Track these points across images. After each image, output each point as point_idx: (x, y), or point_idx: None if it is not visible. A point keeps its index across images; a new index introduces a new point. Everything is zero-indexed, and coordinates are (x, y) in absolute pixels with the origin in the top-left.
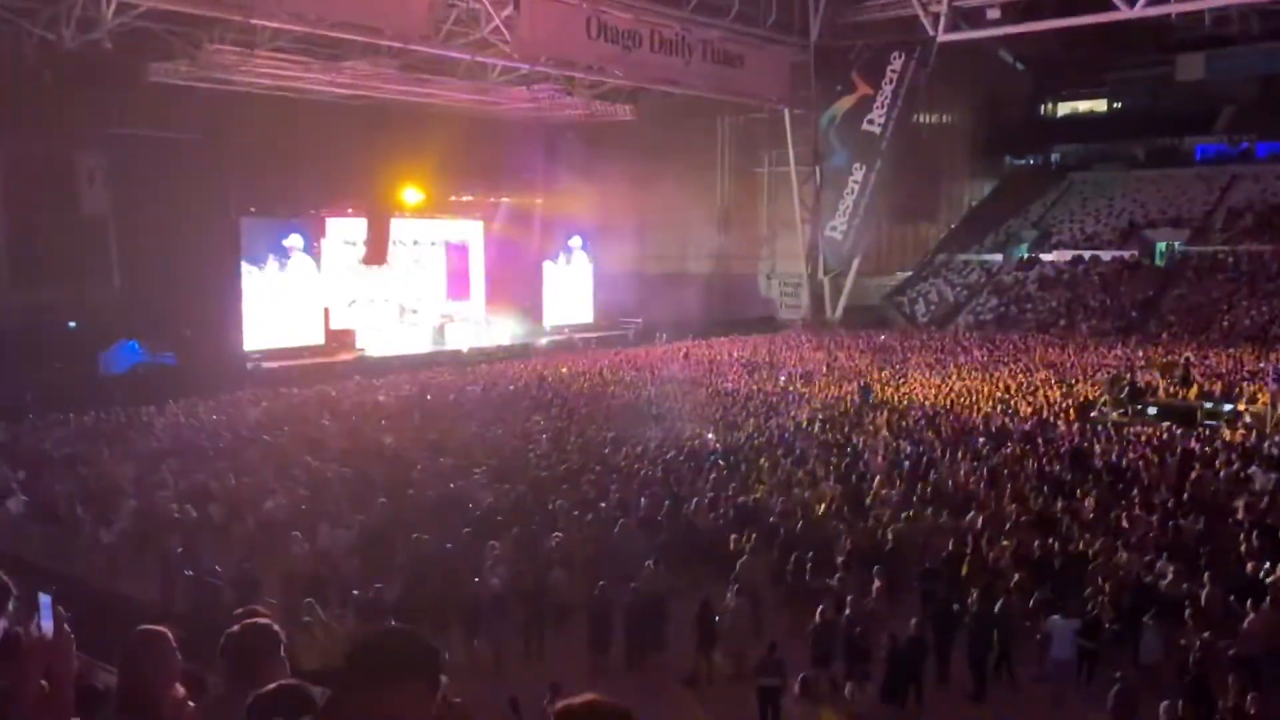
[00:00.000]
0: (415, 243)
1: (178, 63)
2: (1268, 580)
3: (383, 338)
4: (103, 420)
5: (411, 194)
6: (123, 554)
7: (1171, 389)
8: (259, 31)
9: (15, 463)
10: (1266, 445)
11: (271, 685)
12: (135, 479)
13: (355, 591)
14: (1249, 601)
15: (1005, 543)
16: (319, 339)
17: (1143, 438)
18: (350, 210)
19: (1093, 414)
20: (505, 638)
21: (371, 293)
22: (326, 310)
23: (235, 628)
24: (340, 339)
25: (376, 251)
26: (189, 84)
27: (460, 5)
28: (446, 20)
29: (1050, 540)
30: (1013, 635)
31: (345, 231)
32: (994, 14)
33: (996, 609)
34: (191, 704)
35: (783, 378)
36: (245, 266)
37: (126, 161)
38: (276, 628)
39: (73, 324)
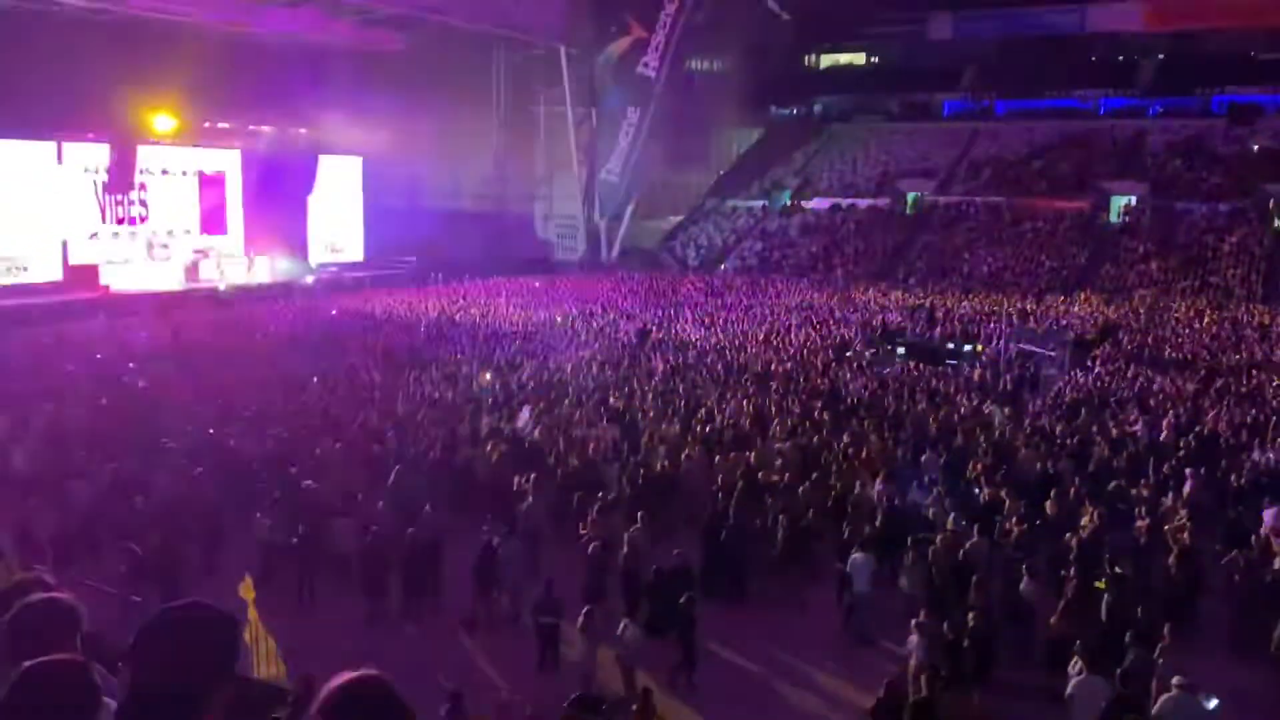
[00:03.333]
0: (165, 172)
1: None
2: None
3: (129, 273)
4: None
5: (162, 120)
6: None
7: (919, 330)
8: None
9: None
10: (1000, 383)
11: (37, 662)
12: None
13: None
14: (976, 525)
15: (774, 478)
16: (56, 274)
17: (893, 377)
18: (91, 135)
19: (848, 354)
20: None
21: (115, 225)
22: (65, 243)
23: (25, 602)
24: (80, 275)
25: (121, 180)
26: None
27: None
28: None
29: (812, 474)
30: (786, 557)
31: (86, 158)
32: None
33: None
34: None
35: (560, 319)
36: None
37: None
38: (76, 605)
39: None
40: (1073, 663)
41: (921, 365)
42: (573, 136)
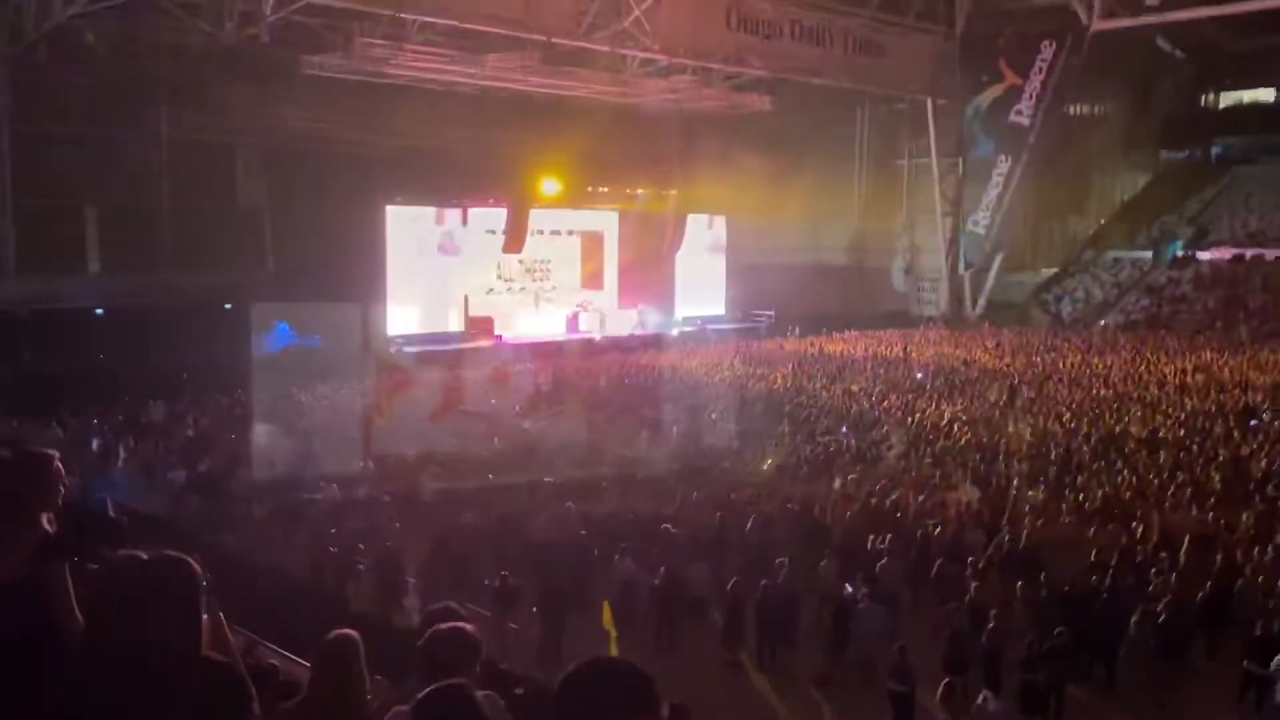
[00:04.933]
0: (554, 232)
1: (330, 56)
2: None
3: (520, 324)
4: (257, 399)
5: (550, 185)
6: (273, 529)
7: None
8: (408, 25)
9: (177, 437)
10: None
11: (435, 687)
12: (287, 457)
13: (486, 581)
14: None
15: (1159, 555)
16: (458, 325)
17: None
18: (491, 200)
19: (1254, 421)
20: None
21: (509, 281)
22: (465, 297)
23: (434, 631)
24: (479, 325)
25: (515, 240)
26: (340, 77)
27: None
28: (588, 13)
29: (1209, 554)
30: (1162, 646)
31: (486, 221)
32: (1153, 0)
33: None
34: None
35: (919, 375)
36: (390, 253)
37: (280, 152)
38: (476, 634)
39: (229, 306)
40: None
41: None
42: (937, 188)
